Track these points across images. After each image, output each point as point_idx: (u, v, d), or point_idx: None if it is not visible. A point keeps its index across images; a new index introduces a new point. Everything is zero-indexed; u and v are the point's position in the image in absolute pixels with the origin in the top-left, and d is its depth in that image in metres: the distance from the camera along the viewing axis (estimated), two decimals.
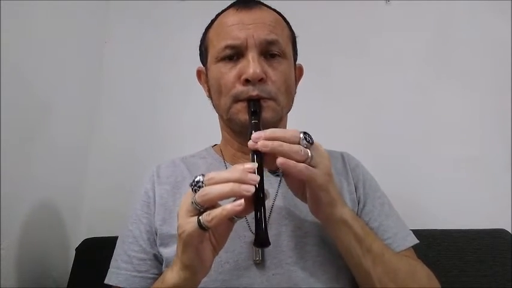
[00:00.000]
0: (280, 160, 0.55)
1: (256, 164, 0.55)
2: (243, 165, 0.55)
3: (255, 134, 0.58)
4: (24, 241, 0.96)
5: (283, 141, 0.56)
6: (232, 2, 0.79)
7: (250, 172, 0.54)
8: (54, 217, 1.12)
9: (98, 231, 1.10)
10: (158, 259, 0.73)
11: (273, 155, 0.56)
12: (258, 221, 0.54)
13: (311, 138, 0.58)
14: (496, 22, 1.33)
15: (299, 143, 0.57)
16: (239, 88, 0.70)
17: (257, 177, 0.53)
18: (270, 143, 0.55)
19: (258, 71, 0.68)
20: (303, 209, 0.70)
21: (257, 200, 0.54)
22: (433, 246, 1.01)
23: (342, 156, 0.83)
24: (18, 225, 0.95)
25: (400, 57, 1.35)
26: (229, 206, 0.52)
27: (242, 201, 0.51)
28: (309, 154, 0.56)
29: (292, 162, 0.55)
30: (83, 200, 1.27)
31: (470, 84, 1.30)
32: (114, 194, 1.22)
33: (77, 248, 1.06)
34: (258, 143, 0.56)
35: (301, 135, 0.57)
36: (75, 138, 1.25)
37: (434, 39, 1.35)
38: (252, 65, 0.69)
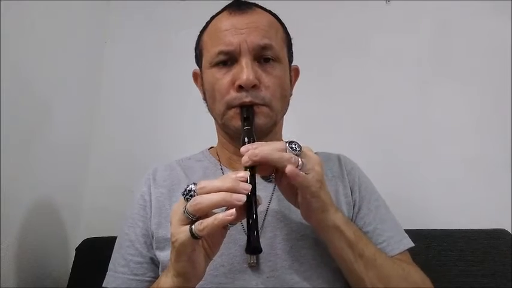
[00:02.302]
0: (289, 168, 0.54)
1: (248, 173, 0.55)
2: (236, 174, 0.55)
3: (243, 148, 0.58)
4: (24, 241, 0.96)
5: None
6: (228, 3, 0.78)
7: (242, 181, 0.54)
8: (54, 217, 1.12)
9: (97, 231, 1.10)
10: (155, 262, 0.73)
11: (265, 162, 0.56)
12: (250, 228, 0.53)
13: (299, 146, 0.58)
14: (496, 22, 1.33)
15: None
16: (233, 94, 0.70)
17: (249, 186, 0.53)
18: (258, 151, 0.55)
19: (251, 77, 0.68)
20: (298, 213, 0.70)
21: (249, 207, 0.54)
22: (433, 246, 1.01)
23: (339, 158, 0.83)
24: (18, 225, 0.95)
25: (400, 57, 1.35)
26: (221, 216, 0.51)
27: (233, 210, 0.51)
28: (300, 161, 0.56)
29: (297, 170, 0.55)
30: (83, 200, 1.27)
31: (471, 84, 1.30)
32: (114, 193, 1.22)
33: (77, 248, 1.06)
34: (246, 154, 0.55)
35: (287, 145, 0.57)
36: (75, 138, 1.25)
37: (434, 39, 1.35)
38: (245, 71, 0.68)
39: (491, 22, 1.33)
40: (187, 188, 0.54)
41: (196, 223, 0.52)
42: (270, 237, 0.69)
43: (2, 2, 0.89)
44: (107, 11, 1.44)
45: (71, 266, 1.04)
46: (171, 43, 1.41)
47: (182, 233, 0.53)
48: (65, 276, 1.04)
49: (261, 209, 0.69)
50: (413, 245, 0.74)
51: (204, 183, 0.54)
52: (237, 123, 0.71)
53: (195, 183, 0.55)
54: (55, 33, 1.13)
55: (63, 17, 1.16)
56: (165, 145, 1.31)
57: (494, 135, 1.25)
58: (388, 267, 0.64)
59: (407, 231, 0.77)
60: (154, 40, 1.42)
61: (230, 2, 0.78)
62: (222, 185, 0.53)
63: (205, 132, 0.88)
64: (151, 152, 1.30)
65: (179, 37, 1.39)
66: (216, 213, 0.52)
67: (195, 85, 0.85)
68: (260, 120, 0.70)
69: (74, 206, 1.23)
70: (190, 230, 0.52)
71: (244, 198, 0.52)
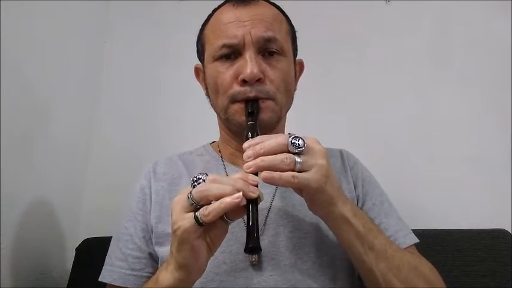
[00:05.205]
0: (263, 175, 0.54)
1: (259, 179, 0.54)
2: (246, 176, 0.54)
3: (245, 144, 0.58)
4: (24, 241, 0.96)
5: (269, 152, 0.55)
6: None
7: (252, 185, 0.54)
8: (54, 217, 1.12)
9: (97, 231, 1.10)
10: (153, 258, 0.72)
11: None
12: (249, 228, 0.53)
13: (303, 141, 0.56)
14: (496, 22, 1.33)
15: (288, 150, 0.55)
16: (236, 88, 0.69)
17: (257, 190, 0.53)
18: (252, 163, 0.55)
19: (255, 71, 0.67)
20: (302, 210, 0.70)
21: (250, 207, 0.54)
22: (433, 246, 1.01)
23: (341, 153, 0.82)
24: (18, 225, 0.95)
25: (400, 57, 1.35)
26: (228, 199, 0.51)
27: (241, 194, 0.51)
28: (296, 160, 0.55)
29: (276, 175, 0.54)
30: (83, 200, 1.27)
31: (471, 84, 1.30)
32: (113, 193, 1.22)
33: (77, 248, 1.06)
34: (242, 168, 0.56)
35: (290, 140, 0.55)
36: (75, 138, 1.25)
37: (434, 39, 1.35)
38: (249, 65, 0.67)
39: (491, 22, 1.33)
40: (198, 176, 0.55)
41: (201, 209, 0.52)
42: (273, 235, 0.68)
43: (2, 2, 0.89)
44: (106, 11, 1.44)
45: (71, 266, 1.04)
46: (171, 43, 1.41)
47: (186, 219, 0.53)
48: (65, 276, 1.04)
49: (264, 206, 0.68)
50: (418, 240, 0.74)
51: (216, 177, 0.54)
52: (240, 117, 0.70)
53: (206, 174, 0.55)
54: (55, 33, 1.13)
55: (63, 17, 1.16)
56: (165, 145, 1.31)
57: (494, 135, 1.25)
58: (399, 258, 0.63)
59: None
60: (154, 40, 1.42)
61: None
62: (233, 184, 0.53)
63: (206, 132, 0.88)
64: (151, 152, 1.29)
65: (179, 37, 1.39)
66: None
67: (195, 85, 0.84)
68: (265, 115, 0.69)
69: (74, 206, 1.23)
70: (195, 216, 0.52)
71: (256, 190, 0.53)
